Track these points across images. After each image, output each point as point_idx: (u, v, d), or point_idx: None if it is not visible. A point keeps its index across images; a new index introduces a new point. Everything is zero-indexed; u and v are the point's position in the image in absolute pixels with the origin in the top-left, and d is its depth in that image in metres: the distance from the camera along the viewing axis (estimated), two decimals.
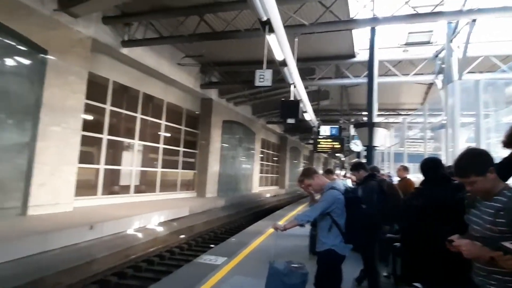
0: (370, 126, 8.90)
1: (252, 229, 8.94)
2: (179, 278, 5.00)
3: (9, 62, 8.07)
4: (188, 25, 10.35)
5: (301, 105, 10.06)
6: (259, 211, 17.78)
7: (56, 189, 8.71)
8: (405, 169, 6.72)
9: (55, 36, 8.57)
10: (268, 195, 25.12)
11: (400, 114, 20.68)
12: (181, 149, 16.12)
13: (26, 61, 8.34)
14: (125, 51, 10.81)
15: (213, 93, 17.07)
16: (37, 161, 8.22)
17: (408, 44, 12.63)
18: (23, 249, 6.08)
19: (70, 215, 8.55)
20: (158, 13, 9.82)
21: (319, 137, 16.16)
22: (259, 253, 6.33)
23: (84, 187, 10.48)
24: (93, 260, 7.20)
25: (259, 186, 25.72)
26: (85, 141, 10.01)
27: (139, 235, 9.20)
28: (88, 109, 10.16)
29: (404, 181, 6.42)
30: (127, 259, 7.43)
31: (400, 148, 11.22)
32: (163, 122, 14.64)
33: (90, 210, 9.68)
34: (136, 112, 12.95)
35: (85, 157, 10.25)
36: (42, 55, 8.44)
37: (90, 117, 10.62)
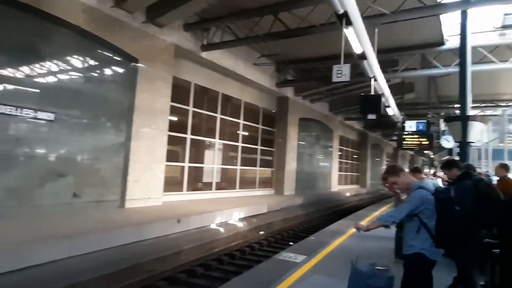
0: (464, 120, 7.98)
1: (332, 228, 8.69)
2: (259, 273, 5.07)
3: (107, 71, 9.11)
4: (263, 25, 10.47)
5: (382, 99, 9.49)
6: (338, 210, 17.24)
7: (147, 184, 9.58)
8: (505, 167, 5.87)
9: (144, 46, 9.42)
10: (348, 194, 24.24)
11: (499, 106, 18.39)
12: (259, 147, 16.44)
13: (121, 70, 9.31)
14: (204, 54, 11.40)
15: (289, 91, 17.05)
16: (131, 159, 9.15)
17: (504, 27, 11.01)
18: (122, 237, 6.78)
19: (160, 209, 9.32)
20: (234, 16, 10.13)
21: (404, 133, 15.07)
22: (340, 253, 6.11)
23: (171, 184, 11.32)
24: (181, 251, 7.72)
25: (338, 185, 24.98)
26: (171, 140, 10.79)
27: (221, 229, 9.60)
28: (173, 111, 10.94)
29: (504, 181, 5.62)
30: (211, 251, 7.80)
31: (499, 144, 9.84)
32: (241, 121, 15.09)
33: (176, 204, 10.41)
34: (216, 112, 13.57)
35: (171, 156, 11.07)
36: (133, 63, 9.33)
37: (175, 118, 11.42)
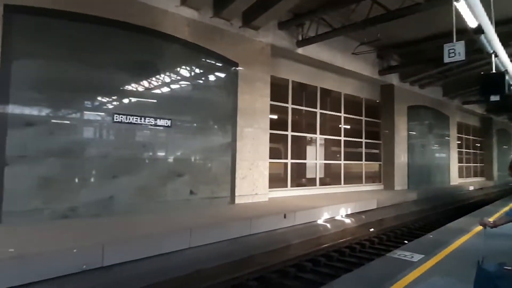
0: None
1: (454, 226, 7.69)
2: (372, 270, 4.78)
3: (212, 78, 9.81)
4: (360, 11, 9.91)
5: (506, 77, 8.02)
6: (460, 207, 15.23)
7: (254, 181, 10.00)
8: None
9: (242, 50, 9.86)
10: (471, 187, 21.24)
11: None
12: (363, 140, 15.63)
13: (223, 75, 9.92)
14: (300, 50, 11.37)
15: (393, 78, 15.81)
16: (238, 158, 9.68)
17: None
18: (235, 231, 7.19)
19: (266, 204, 9.62)
20: (328, 7, 9.85)
21: None
22: (463, 253, 5.36)
23: (276, 180, 11.58)
24: (289, 245, 7.82)
25: (458, 178, 22.11)
26: (273, 138, 11.05)
27: (328, 225, 9.41)
28: (273, 109, 11.17)
29: None
30: (319, 247, 7.70)
31: None
32: (342, 115, 14.58)
33: (282, 200, 10.60)
34: (315, 107, 13.40)
35: (274, 153, 11.34)
36: (234, 68, 9.85)
37: (275, 117, 11.65)
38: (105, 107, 7.86)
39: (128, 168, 7.82)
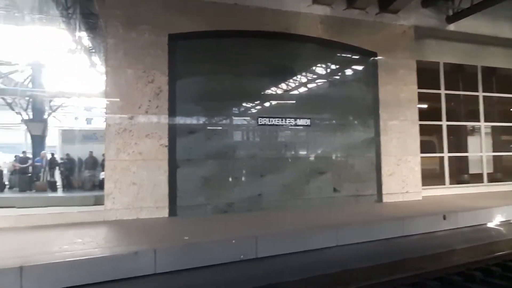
0: None
1: None
2: None
3: (348, 72, 9.51)
4: None
5: None
6: None
7: (403, 178, 9.15)
8: None
9: (380, 37, 9.20)
10: None
11: None
12: None
13: (360, 67, 9.48)
14: (451, 27, 9.89)
15: None
16: (383, 153, 9.05)
17: None
18: (385, 231, 6.71)
19: (420, 204, 8.64)
20: None
21: None
22: None
23: (429, 177, 10.28)
24: (452, 251, 6.80)
25: None
26: (423, 130, 9.87)
27: (502, 230, 7.78)
28: (422, 98, 9.98)
29: None
30: (491, 255, 6.43)
31: None
32: None
33: (438, 199, 9.32)
34: (476, 90, 11.37)
35: (426, 147, 10.13)
36: (372, 58, 9.28)
37: (425, 106, 10.40)
38: (250, 112, 8.58)
39: (273, 167, 8.28)
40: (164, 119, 7.43)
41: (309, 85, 9.19)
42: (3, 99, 14.66)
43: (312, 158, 8.78)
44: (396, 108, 9.24)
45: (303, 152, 8.76)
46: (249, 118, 8.45)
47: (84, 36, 12.08)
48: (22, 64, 14.27)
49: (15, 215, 7.03)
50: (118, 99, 7.24)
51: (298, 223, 6.68)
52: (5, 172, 12.67)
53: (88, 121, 22.56)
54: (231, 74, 8.14)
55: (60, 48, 13.17)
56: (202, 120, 8.01)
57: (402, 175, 9.14)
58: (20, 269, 4.11)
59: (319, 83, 9.27)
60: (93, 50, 13.72)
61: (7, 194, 11.72)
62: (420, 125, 9.62)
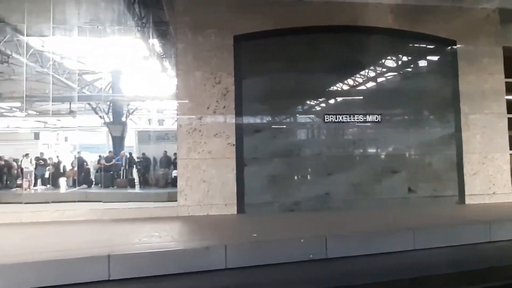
0: None
1: None
2: None
3: (422, 63, 8.86)
4: None
5: None
6: None
7: (489, 178, 8.25)
8: None
9: (459, 24, 8.39)
10: None
11: None
12: None
13: (436, 58, 8.78)
14: None
15: None
16: (465, 151, 8.24)
17: None
18: (468, 236, 6.09)
19: (510, 207, 7.70)
20: None
21: None
22: None
23: None
24: None
25: None
26: None
27: None
28: (510, 88, 8.89)
29: None
30: None
31: None
32: None
33: None
34: None
35: None
36: (450, 47, 8.51)
37: None
38: (315, 109, 8.43)
39: (340, 165, 8.01)
40: (231, 119, 7.61)
41: (379, 79, 8.73)
42: (89, 104, 16.30)
43: (383, 156, 8.33)
44: (480, 100, 8.35)
45: (373, 150, 8.35)
46: (314, 115, 8.32)
47: (156, 43, 12.89)
48: (104, 72, 15.72)
49: (101, 209, 7.76)
50: (187, 101, 7.59)
51: (370, 224, 6.37)
52: (92, 170, 14.07)
53: (160, 122, 24.05)
54: (296, 71, 8.05)
55: (135, 56, 14.24)
56: (267, 119, 8.06)
57: (488, 175, 8.23)
58: (108, 257, 4.52)
59: (389, 77, 8.75)
60: (164, 56, 14.59)
61: (94, 189, 12.98)
62: (509, 118, 8.59)
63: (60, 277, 4.28)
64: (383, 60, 8.70)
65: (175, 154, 11.40)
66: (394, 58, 8.72)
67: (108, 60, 15.11)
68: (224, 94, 7.60)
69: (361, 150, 8.24)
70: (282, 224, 6.52)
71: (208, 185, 7.40)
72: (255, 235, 5.45)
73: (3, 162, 13.26)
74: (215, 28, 7.64)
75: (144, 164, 13.64)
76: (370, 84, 8.67)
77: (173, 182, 11.03)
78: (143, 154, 13.95)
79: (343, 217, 7.00)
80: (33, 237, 5.83)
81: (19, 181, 13.11)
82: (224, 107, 7.59)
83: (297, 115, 8.33)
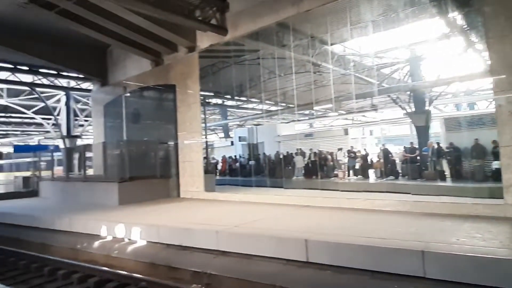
0: None
1: None
2: None
3: None
4: None
5: None
6: None
7: None
8: None
9: None
10: None
11: None
12: None
13: None
14: None
15: None
16: None
17: None
18: None
19: None
20: None
21: None
22: None
23: None
24: None
25: None
26: None
27: None
28: None
29: None
30: None
31: None
32: None
33: None
34: None
35: None
36: None
37: None
38: None
39: None
40: None
41: None
42: (389, 96, 16.40)
43: None
44: None
45: None
46: None
47: (456, 16, 11.10)
48: (401, 61, 15.31)
49: (411, 201, 7.44)
50: (505, 75, 5.96)
51: None
52: (397, 161, 14.07)
53: (471, 106, 20.68)
54: None
55: (434, 36, 12.91)
56: None
57: None
58: (422, 253, 4.17)
59: None
60: (468, 28, 12.34)
61: (401, 181, 12.89)
62: None
63: (377, 264, 4.43)
64: None
65: (493, 141, 9.60)
66: None
67: (405, 48, 14.65)
68: None
69: None
70: None
71: None
72: None
73: (323, 156, 15.78)
74: None
75: (454, 154, 12.03)
76: None
77: (494, 176, 9.33)
78: (451, 143, 12.35)
79: None
80: (359, 222, 6.24)
81: (335, 172, 15.18)
82: None
83: None
